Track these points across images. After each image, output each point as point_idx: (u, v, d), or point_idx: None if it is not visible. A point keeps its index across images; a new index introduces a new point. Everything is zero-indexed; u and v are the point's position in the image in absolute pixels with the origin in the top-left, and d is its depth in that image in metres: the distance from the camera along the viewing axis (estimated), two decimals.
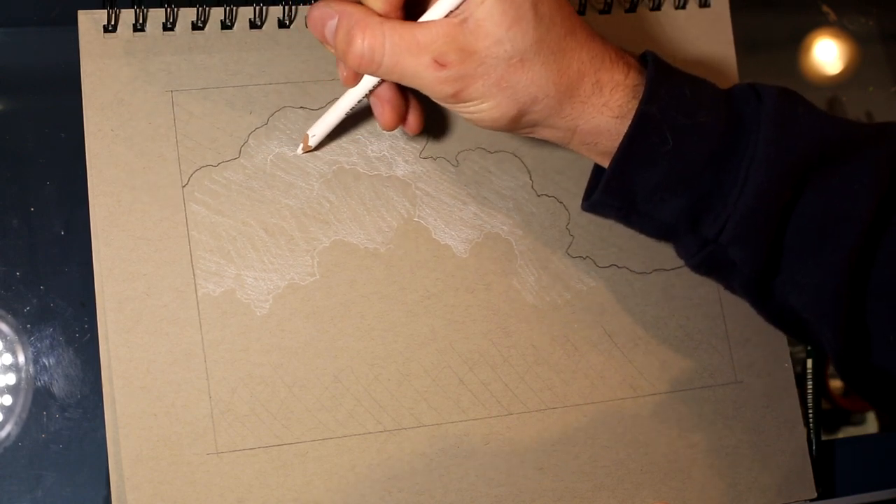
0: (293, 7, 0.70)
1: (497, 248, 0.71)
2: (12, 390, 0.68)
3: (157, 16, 0.68)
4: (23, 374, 0.68)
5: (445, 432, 0.68)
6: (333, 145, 0.70)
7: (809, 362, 0.79)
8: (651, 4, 0.77)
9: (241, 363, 0.66)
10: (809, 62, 0.92)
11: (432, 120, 0.71)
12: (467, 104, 0.62)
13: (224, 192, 0.67)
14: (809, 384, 0.78)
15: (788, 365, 0.75)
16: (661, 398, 0.72)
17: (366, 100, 0.66)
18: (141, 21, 0.68)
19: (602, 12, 0.76)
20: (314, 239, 0.68)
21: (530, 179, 0.73)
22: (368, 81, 0.64)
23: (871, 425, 0.86)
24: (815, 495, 0.74)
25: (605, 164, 0.65)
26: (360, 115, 0.70)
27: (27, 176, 0.70)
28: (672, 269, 0.74)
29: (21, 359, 0.69)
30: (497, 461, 0.69)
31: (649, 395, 0.72)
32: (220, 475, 0.64)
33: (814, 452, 0.76)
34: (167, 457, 0.64)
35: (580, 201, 0.70)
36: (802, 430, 0.74)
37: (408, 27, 0.60)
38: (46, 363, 0.69)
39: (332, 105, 0.67)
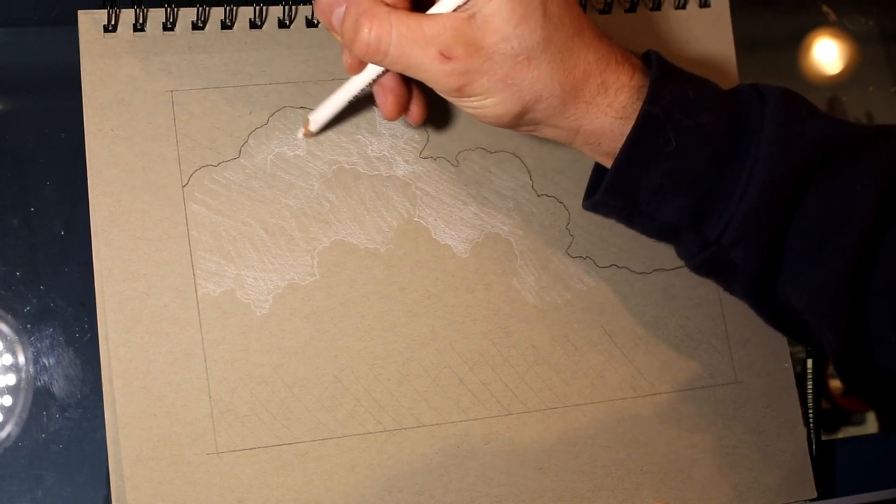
0: (293, 7, 0.70)
1: (497, 248, 0.71)
2: (12, 390, 0.68)
3: (157, 16, 0.68)
4: (23, 374, 0.68)
5: (445, 432, 0.68)
6: (333, 145, 0.70)
7: (809, 362, 0.79)
8: (651, 4, 0.77)
9: (241, 363, 0.66)
10: (809, 62, 0.92)
11: (432, 120, 0.71)
12: (471, 99, 0.62)
13: (224, 192, 0.67)
14: (809, 384, 0.78)
15: (788, 365, 0.75)
16: (662, 398, 0.72)
17: (369, 88, 0.66)
18: (141, 21, 0.68)
19: (602, 12, 0.76)
20: (314, 239, 0.68)
21: (530, 179, 0.73)
22: (372, 70, 0.64)
23: (871, 425, 0.86)
24: (815, 495, 0.74)
25: (608, 164, 0.65)
26: (361, 115, 0.70)
27: (27, 176, 0.70)
28: (672, 269, 0.74)
29: (21, 359, 0.69)
30: (497, 461, 0.69)
31: (649, 395, 0.72)
32: (220, 475, 0.64)
33: (814, 452, 0.76)
34: (167, 457, 0.64)
35: (580, 201, 0.70)
36: (802, 430, 0.74)
37: (415, 18, 0.60)
38: (46, 363, 0.69)
39: (334, 92, 0.67)
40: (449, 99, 0.63)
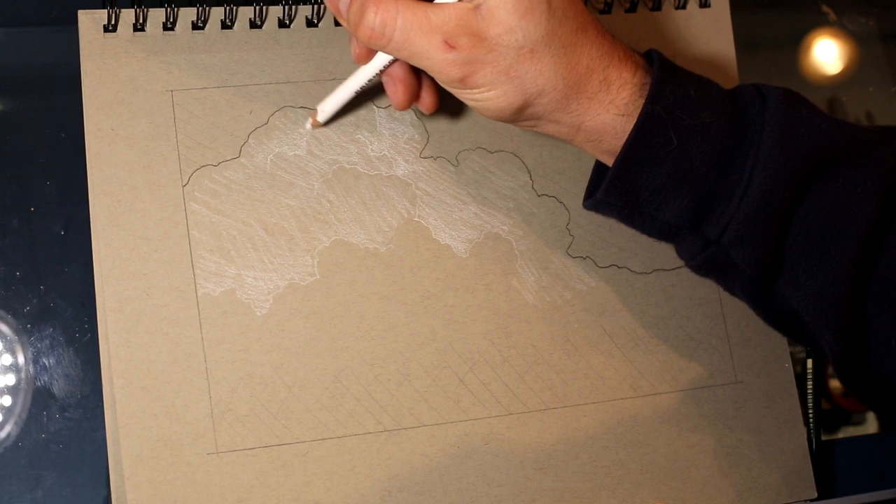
0: (293, 7, 0.70)
1: (497, 248, 0.71)
2: (12, 390, 0.68)
3: (157, 16, 0.68)
4: (23, 374, 0.68)
5: (445, 432, 0.68)
6: (334, 145, 0.70)
7: (809, 362, 0.79)
8: (651, 4, 0.77)
9: (241, 363, 0.66)
10: (809, 62, 0.92)
11: (433, 119, 0.71)
12: (473, 91, 0.62)
13: (224, 192, 0.67)
14: (809, 384, 0.78)
15: (788, 365, 0.75)
16: (662, 398, 0.72)
17: (377, 79, 0.66)
18: (141, 21, 0.68)
19: (602, 12, 0.76)
20: (314, 239, 0.68)
21: (530, 179, 0.73)
22: (380, 60, 0.64)
23: (871, 425, 0.86)
24: (815, 495, 0.74)
25: (608, 162, 0.65)
26: (360, 115, 0.70)
27: (27, 176, 0.70)
28: (672, 269, 0.74)
29: (21, 359, 0.69)
30: (497, 461, 0.69)
31: (649, 395, 0.72)
32: (220, 475, 0.64)
33: (814, 452, 0.76)
34: (167, 457, 0.64)
35: (580, 201, 0.70)
36: (802, 430, 0.74)
37: (421, 6, 0.60)
38: (46, 363, 0.69)
39: (343, 82, 0.67)
40: (451, 90, 0.63)
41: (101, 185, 0.66)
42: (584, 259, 0.72)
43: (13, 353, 0.69)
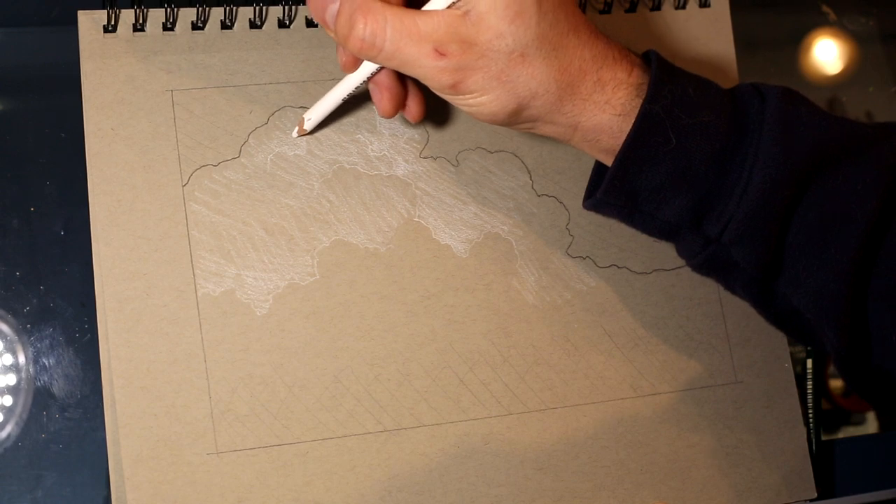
0: (293, 7, 0.70)
1: (497, 248, 0.71)
2: (12, 390, 0.68)
3: (157, 16, 0.68)
4: (23, 374, 0.68)
5: (445, 432, 0.68)
6: (333, 145, 0.70)
7: (809, 362, 0.79)
8: (651, 4, 0.77)
9: (241, 363, 0.66)
10: (809, 62, 0.92)
11: (432, 119, 0.71)
12: (466, 96, 0.62)
13: (224, 192, 0.67)
14: (809, 384, 0.78)
15: (788, 365, 0.75)
16: (662, 398, 0.72)
17: (364, 86, 0.66)
18: (141, 21, 0.68)
19: (602, 12, 0.76)
20: (314, 239, 0.68)
21: (530, 179, 0.73)
22: (367, 67, 0.64)
23: (871, 425, 0.86)
24: (815, 495, 0.74)
25: (607, 161, 0.65)
26: (361, 115, 0.70)
27: (27, 176, 0.70)
28: (672, 269, 0.74)
29: (21, 359, 0.69)
30: (497, 461, 0.69)
31: (649, 395, 0.72)
32: (220, 475, 0.64)
33: (814, 452, 0.76)
34: (167, 457, 0.64)
35: (580, 201, 0.70)
36: (802, 430, 0.74)
37: (410, 14, 0.60)
38: (46, 363, 0.69)
39: (330, 90, 0.67)
40: (444, 96, 0.63)
41: (101, 185, 0.66)
42: (584, 259, 0.72)
43: (13, 353, 0.69)
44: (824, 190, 0.64)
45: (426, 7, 0.61)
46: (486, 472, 0.68)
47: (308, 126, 0.68)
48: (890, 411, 0.84)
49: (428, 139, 0.71)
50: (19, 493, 0.67)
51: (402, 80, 0.65)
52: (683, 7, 0.77)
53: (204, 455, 0.64)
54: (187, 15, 0.69)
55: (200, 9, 0.68)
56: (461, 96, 0.62)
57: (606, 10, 0.76)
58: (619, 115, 0.63)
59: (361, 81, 0.65)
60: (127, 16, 0.67)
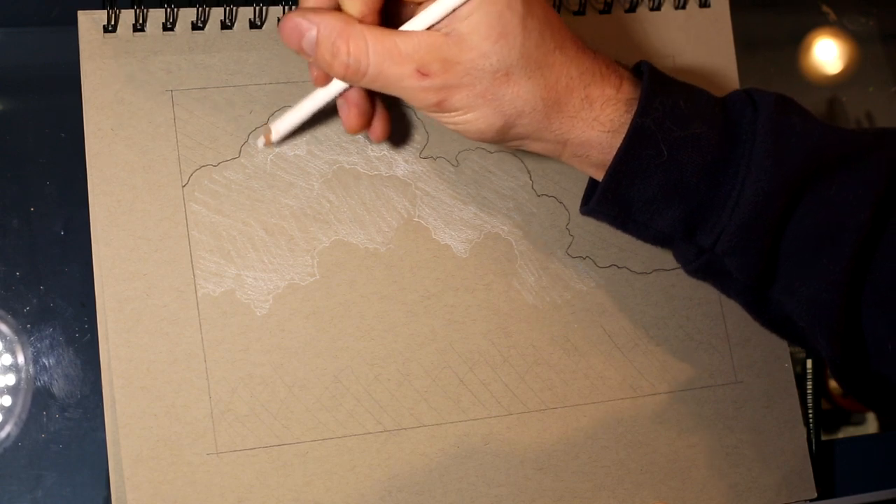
0: (293, 7, 0.70)
1: (497, 248, 0.71)
2: (12, 390, 0.68)
3: (157, 16, 0.68)
4: (23, 374, 0.68)
5: (445, 432, 0.68)
6: (333, 145, 0.70)
7: (809, 362, 0.79)
8: (651, 4, 0.77)
9: (241, 363, 0.66)
10: (809, 62, 0.92)
11: (432, 120, 0.71)
12: (452, 114, 0.62)
13: (224, 192, 0.67)
14: (809, 384, 0.78)
15: (788, 365, 0.75)
16: (662, 398, 0.72)
17: (334, 101, 0.65)
18: (141, 21, 0.68)
19: (602, 12, 0.76)
20: (314, 239, 0.68)
21: (530, 179, 0.73)
22: (339, 84, 0.63)
23: (871, 425, 0.86)
24: (815, 495, 0.74)
25: (598, 176, 0.65)
26: None
27: (27, 176, 0.70)
28: (672, 269, 0.74)
29: (21, 359, 0.69)
30: (497, 461, 0.69)
31: (649, 395, 0.72)
32: (220, 475, 0.64)
33: (814, 452, 0.76)
34: (167, 457, 0.64)
35: (580, 202, 0.70)
36: (802, 430, 0.74)
37: (389, 35, 0.60)
38: (46, 363, 0.69)
39: (298, 102, 0.66)
40: (430, 115, 0.63)
41: (101, 185, 0.66)
42: (584, 259, 0.72)
43: (13, 353, 0.69)
44: (817, 199, 0.64)
45: (405, 26, 0.61)
46: (486, 472, 0.68)
47: (275, 138, 0.67)
48: (888, 414, 0.84)
49: (428, 139, 0.71)
50: (19, 493, 0.67)
51: (371, 97, 0.65)
52: (683, 7, 0.77)
53: (204, 455, 0.64)
54: (187, 15, 0.69)
55: (200, 9, 0.68)
56: (447, 114, 0.62)
57: (606, 10, 0.76)
58: (609, 131, 0.63)
59: (332, 97, 0.64)
60: (127, 16, 0.67)
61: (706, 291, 0.74)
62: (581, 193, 0.70)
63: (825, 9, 0.92)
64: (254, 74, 0.69)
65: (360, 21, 0.60)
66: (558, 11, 0.74)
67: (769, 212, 0.63)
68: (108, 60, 0.67)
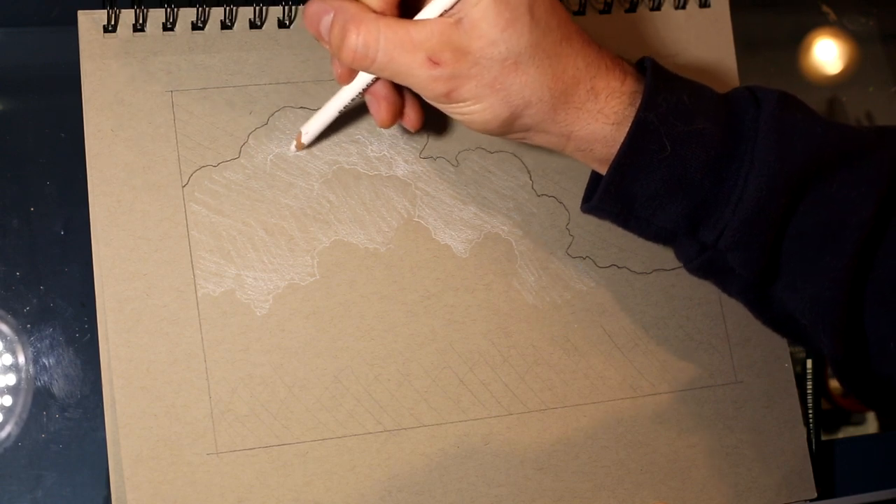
0: (293, 7, 0.70)
1: (497, 248, 0.71)
2: (12, 390, 0.68)
3: (157, 16, 0.68)
4: (23, 374, 0.68)
5: (445, 432, 0.68)
6: (333, 145, 0.70)
7: (809, 362, 0.79)
8: (651, 4, 0.77)
9: (241, 363, 0.66)
10: (809, 62, 0.92)
11: (432, 120, 0.71)
12: (459, 105, 0.62)
13: (224, 192, 0.67)
14: (809, 384, 0.78)
15: (788, 365, 0.75)
16: (662, 398, 0.72)
17: (360, 97, 0.66)
18: (141, 21, 0.68)
19: (602, 12, 0.76)
20: (314, 239, 0.68)
21: (530, 179, 0.73)
22: (362, 79, 0.64)
23: (871, 425, 0.86)
24: (815, 495, 0.74)
25: (602, 170, 0.65)
26: (359, 115, 0.70)
27: (27, 176, 0.70)
28: (672, 269, 0.74)
29: (21, 359, 0.69)
30: (497, 461, 0.69)
31: (649, 395, 0.72)
32: (220, 475, 0.64)
33: (814, 452, 0.76)
34: (167, 457, 0.64)
35: (580, 201, 0.70)
36: (802, 430, 0.74)
37: (402, 24, 0.60)
38: (46, 363, 0.69)
39: (325, 103, 0.67)
40: (437, 105, 0.63)
41: (100, 185, 0.66)
42: (584, 259, 0.72)
43: (13, 353, 0.69)
44: (820, 196, 0.64)
45: (419, 16, 0.61)
46: (486, 472, 0.68)
47: (305, 140, 0.68)
48: (889, 414, 0.84)
49: (428, 139, 0.71)
50: (19, 493, 0.67)
51: (399, 89, 0.65)
52: (683, 7, 0.77)
53: (204, 455, 0.64)
54: (187, 15, 0.69)
55: (200, 9, 0.68)
56: (455, 105, 0.62)
57: (606, 10, 0.76)
58: (613, 123, 0.63)
59: (357, 93, 0.65)
60: (127, 16, 0.67)
61: (706, 291, 0.74)
62: (581, 193, 0.70)
63: (825, 9, 0.92)
64: (254, 74, 0.69)
65: (379, 13, 0.60)
66: None
67: (772, 208, 0.63)
68: (108, 60, 0.67)
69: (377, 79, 0.64)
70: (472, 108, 0.62)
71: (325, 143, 0.69)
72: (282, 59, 0.70)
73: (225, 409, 0.65)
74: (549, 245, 0.72)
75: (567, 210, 0.73)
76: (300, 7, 0.70)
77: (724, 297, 0.74)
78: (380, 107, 0.65)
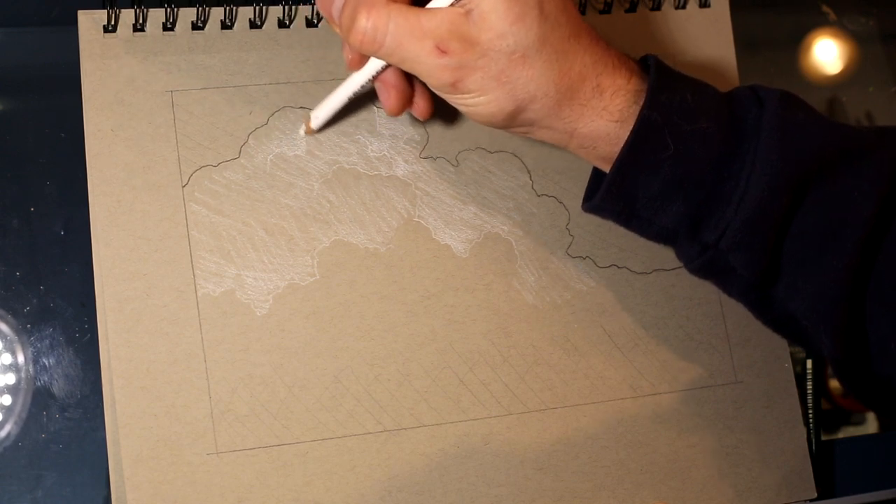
0: (293, 7, 0.70)
1: (497, 248, 0.71)
2: (12, 390, 0.68)
3: (157, 16, 0.68)
4: (23, 374, 0.68)
5: (445, 432, 0.68)
6: (333, 145, 0.70)
7: (809, 362, 0.79)
8: (651, 4, 0.77)
9: (241, 363, 0.66)
10: (809, 62, 0.92)
11: (432, 120, 0.71)
12: (465, 96, 0.62)
13: (224, 192, 0.67)
14: (809, 384, 0.78)
15: (788, 365, 0.75)
16: (662, 398, 0.72)
17: (370, 85, 0.66)
18: (141, 21, 0.68)
19: (602, 12, 0.76)
20: (314, 239, 0.68)
21: (530, 179, 0.73)
22: (373, 65, 0.64)
23: (871, 425, 0.86)
24: (815, 495, 0.74)
25: (604, 168, 0.65)
26: (360, 116, 0.70)
27: (27, 176, 0.70)
28: (672, 269, 0.74)
29: (21, 359, 0.69)
30: (497, 461, 0.69)
31: (649, 395, 0.72)
32: (220, 475, 0.64)
33: (814, 452, 0.76)
34: (167, 457, 0.64)
35: (580, 201, 0.70)
36: (802, 430, 0.74)
37: (413, 11, 0.60)
38: (46, 363, 0.69)
39: (335, 88, 0.67)
40: (442, 95, 0.63)
41: (100, 185, 0.66)
42: (584, 259, 0.72)
43: (13, 353, 0.69)
44: (822, 196, 0.64)
45: (430, 5, 0.61)
46: (486, 472, 0.68)
47: (314, 125, 0.68)
48: (889, 415, 0.84)
49: (428, 139, 0.71)
50: (19, 493, 0.67)
51: (409, 78, 0.65)
52: (683, 7, 0.77)
53: (204, 455, 0.64)
54: (187, 15, 0.69)
55: (200, 9, 0.68)
56: (460, 95, 0.62)
57: (606, 9, 0.76)
58: (617, 121, 0.63)
59: (367, 79, 0.65)
60: (127, 16, 0.67)
61: (706, 291, 0.74)
62: (581, 193, 0.70)
63: (825, 9, 0.92)
64: (254, 74, 0.69)
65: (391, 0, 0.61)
66: None
67: (774, 207, 0.63)
68: (108, 60, 0.67)
69: (387, 66, 0.64)
70: (477, 100, 0.62)
71: (326, 143, 0.69)
72: (282, 59, 0.70)
73: (225, 409, 0.65)
74: (549, 245, 0.72)
75: (567, 210, 0.73)
76: (300, 7, 0.70)
77: (724, 297, 0.74)
78: (389, 94, 0.65)
